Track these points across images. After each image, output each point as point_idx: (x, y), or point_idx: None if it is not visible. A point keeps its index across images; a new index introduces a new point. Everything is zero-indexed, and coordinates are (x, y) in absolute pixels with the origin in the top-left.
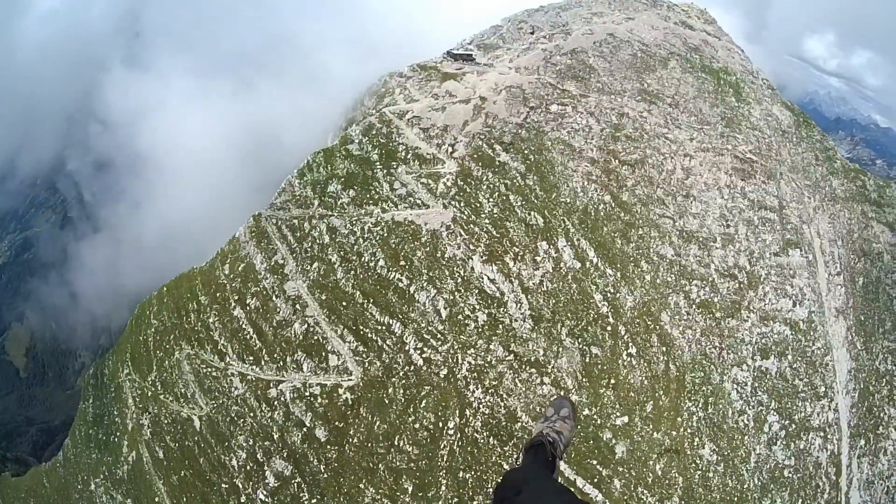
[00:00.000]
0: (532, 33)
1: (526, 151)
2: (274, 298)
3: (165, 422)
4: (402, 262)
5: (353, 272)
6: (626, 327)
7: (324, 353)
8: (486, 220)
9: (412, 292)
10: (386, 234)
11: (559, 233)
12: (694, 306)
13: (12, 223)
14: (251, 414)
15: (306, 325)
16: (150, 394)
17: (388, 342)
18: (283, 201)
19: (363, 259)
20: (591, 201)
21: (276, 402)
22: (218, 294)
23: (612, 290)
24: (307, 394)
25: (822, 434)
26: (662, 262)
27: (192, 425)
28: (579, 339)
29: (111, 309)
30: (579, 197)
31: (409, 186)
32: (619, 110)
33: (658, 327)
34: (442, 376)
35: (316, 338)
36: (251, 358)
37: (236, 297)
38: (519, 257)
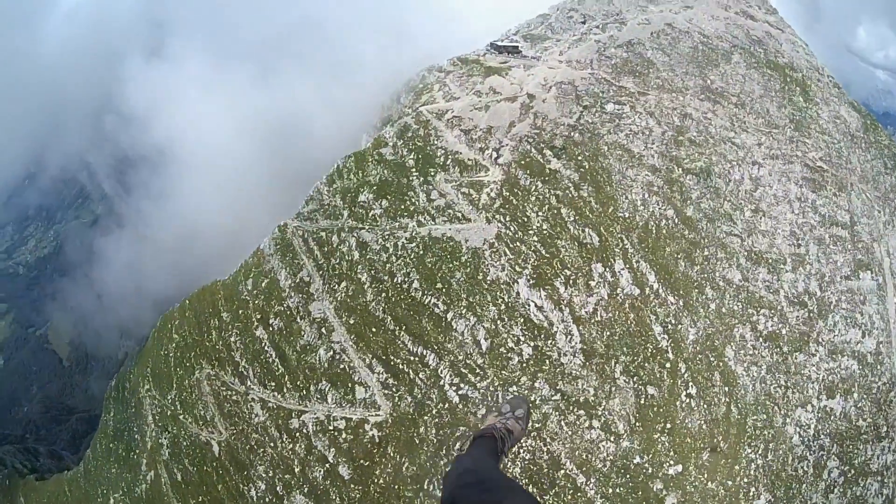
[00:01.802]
0: (583, 23)
1: (580, 157)
2: (298, 320)
3: (184, 444)
4: (439, 285)
5: (384, 294)
6: (687, 364)
7: (350, 384)
8: (535, 238)
9: (449, 320)
10: (421, 252)
11: (616, 253)
12: (760, 339)
13: (41, 219)
14: (271, 444)
15: (332, 352)
16: (169, 413)
17: (420, 375)
18: (310, 211)
19: (396, 280)
20: (652, 216)
21: (297, 434)
22: (240, 311)
23: (673, 321)
24: (331, 427)
25: (879, 479)
26: (729, 288)
27: (211, 450)
28: (634, 378)
29: (135, 311)
30: (639, 211)
31: (448, 197)
32: (681, 110)
33: (721, 364)
34: (479, 416)
35: (342, 366)
36: (273, 384)
37: (259, 316)
38: (571, 282)
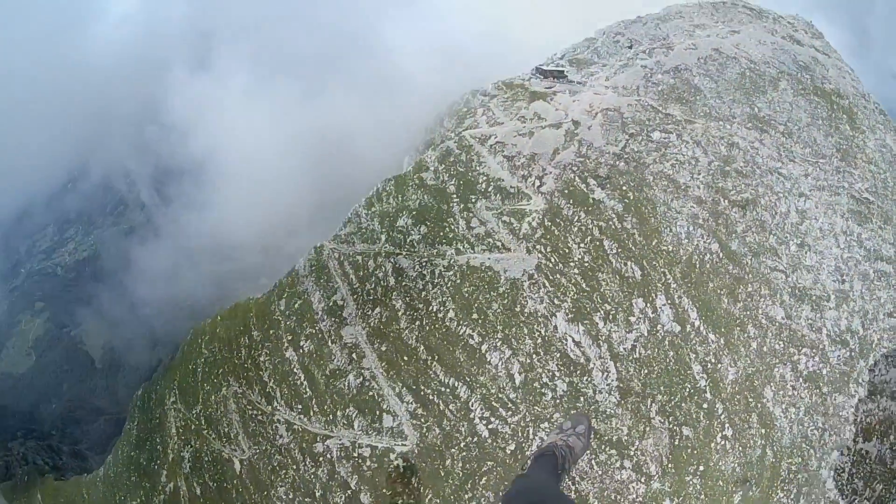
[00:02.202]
0: (630, 47)
1: (624, 188)
2: (329, 344)
3: (206, 459)
4: (475, 316)
5: (418, 322)
6: (725, 405)
7: (378, 412)
8: (576, 270)
9: (483, 352)
10: (459, 281)
11: (658, 288)
12: (801, 379)
13: (81, 223)
14: (294, 466)
15: (361, 378)
16: (193, 427)
17: (451, 407)
18: (347, 233)
19: (431, 308)
20: (696, 250)
21: (321, 459)
22: (271, 331)
23: (713, 360)
24: (355, 454)
25: None
26: (771, 326)
27: (233, 467)
28: (670, 418)
29: (169, 321)
30: (683, 245)
31: (488, 225)
32: (728, 139)
33: (759, 405)
34: (508, 452)
35: (371, 393)
36: (300, 406)
37: (290, 338)
38: (611, 317)
